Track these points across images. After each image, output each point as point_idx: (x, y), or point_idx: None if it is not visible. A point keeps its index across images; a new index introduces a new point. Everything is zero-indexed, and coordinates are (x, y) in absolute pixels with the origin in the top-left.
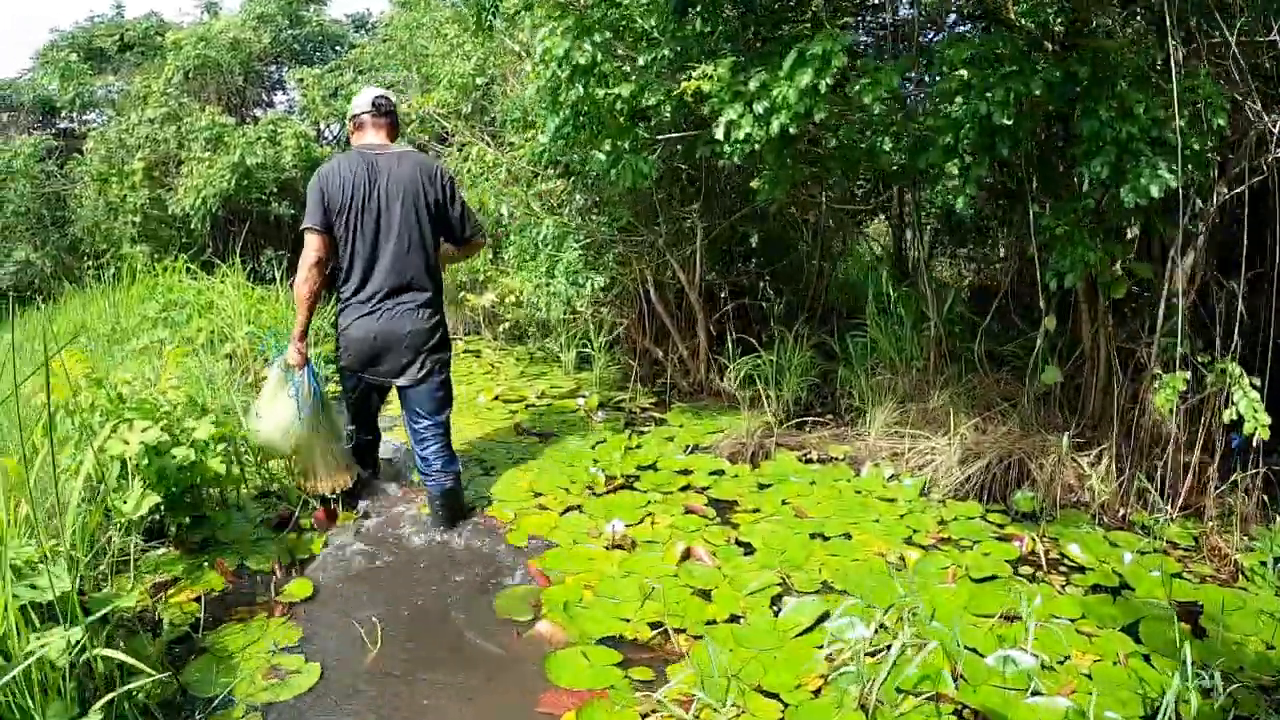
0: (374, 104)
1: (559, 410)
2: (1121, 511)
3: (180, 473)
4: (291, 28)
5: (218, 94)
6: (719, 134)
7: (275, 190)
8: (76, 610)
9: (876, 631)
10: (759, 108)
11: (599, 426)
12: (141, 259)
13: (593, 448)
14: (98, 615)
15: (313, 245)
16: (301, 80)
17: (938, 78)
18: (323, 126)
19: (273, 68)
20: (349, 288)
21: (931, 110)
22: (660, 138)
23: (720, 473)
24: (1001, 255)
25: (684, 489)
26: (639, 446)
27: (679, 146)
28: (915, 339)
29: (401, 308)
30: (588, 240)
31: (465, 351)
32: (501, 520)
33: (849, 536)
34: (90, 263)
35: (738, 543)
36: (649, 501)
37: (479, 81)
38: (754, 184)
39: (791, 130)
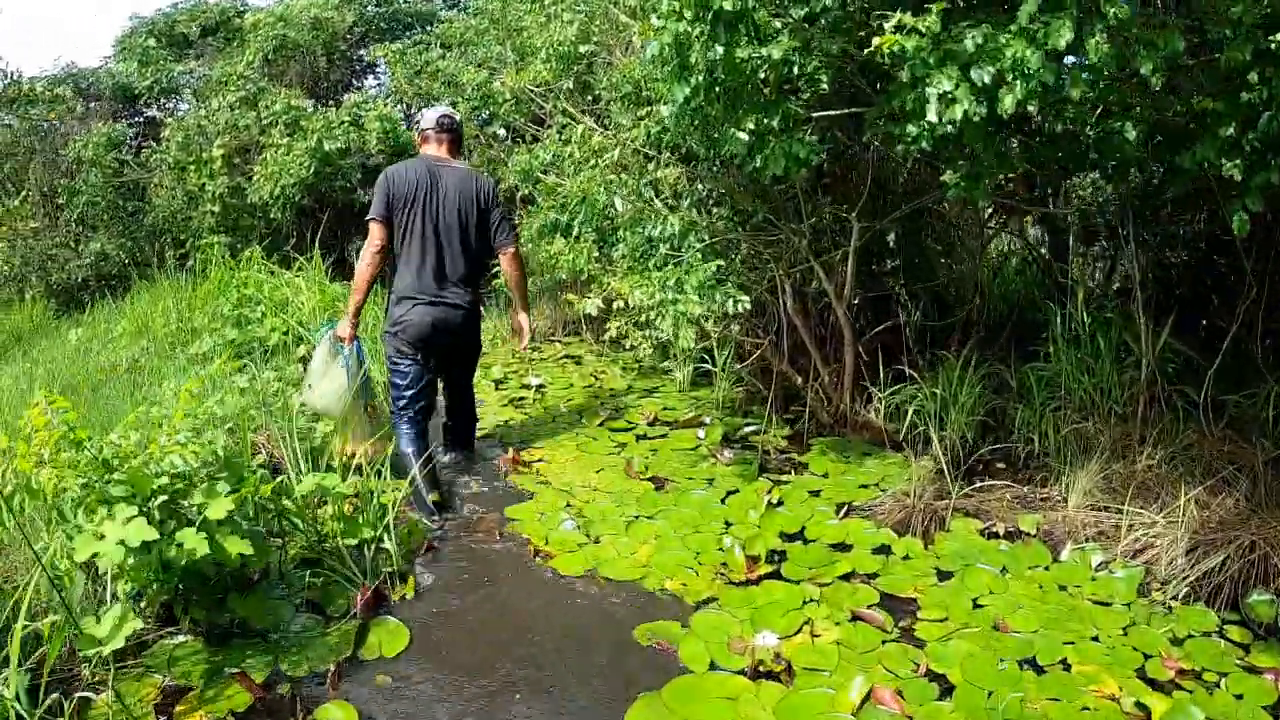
0: (438, 122)
1: (676, 444)
2: None
3: (192, 562)
4: (377, 6)
5: (300, 78)
6: (931, 112)
7: (360, 177)
8: None
9: None
10: (981, 76)
11: (726, 470)
12: (220, 250)
13: (722, 501)
14: None
15: (376, 235)
16: (384, 56)
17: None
18: (412, 109)
19: (361, 52)
20: (405, 280)
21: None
22: (817, 115)
23: (886, 550)
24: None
25: (846, 577)
26: (779, 503)
27: (828, 128)
28: (1115, 377)
29: (454, 301)
30: (713, 239)
31: (564, 357)
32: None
33: (1067, 666)
34: (170, 254)
35: (929, 674)
36: (805, 599)
37: (582, 50)
38: (946, 177)
39: (1029, 108)
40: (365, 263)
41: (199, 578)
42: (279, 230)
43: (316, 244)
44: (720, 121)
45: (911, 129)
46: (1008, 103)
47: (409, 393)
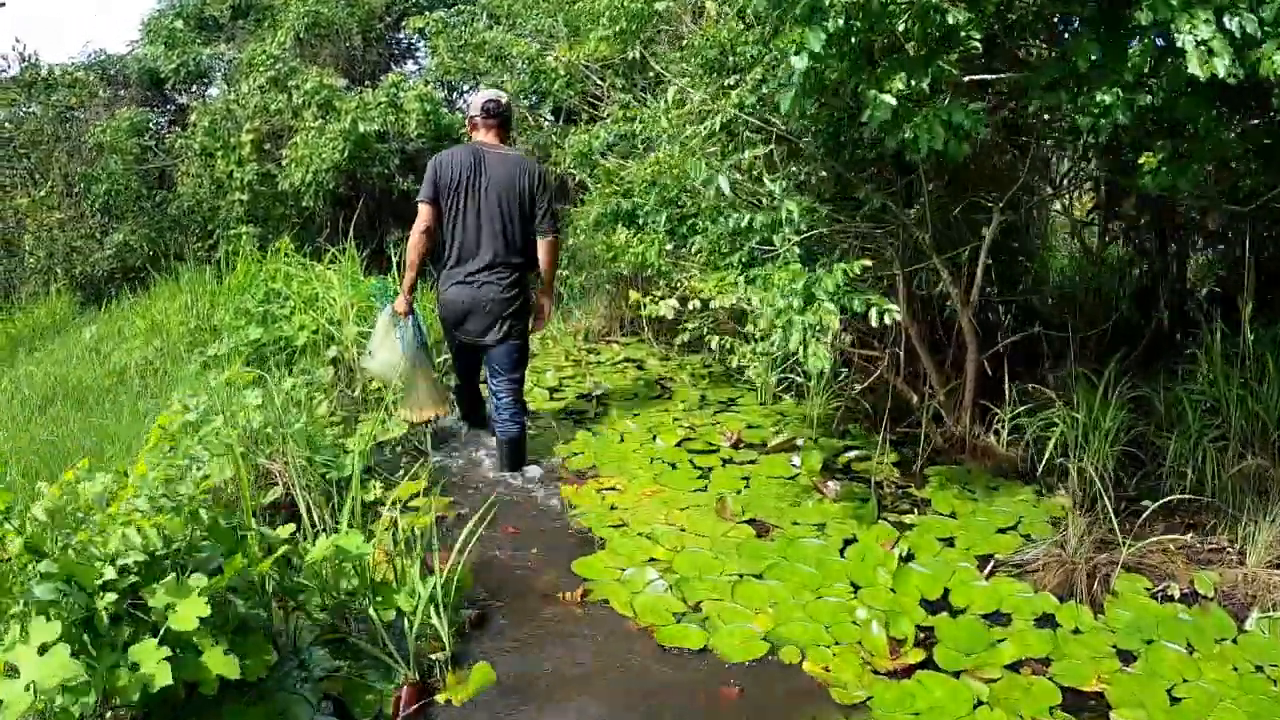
0: (484, 108)
1: (769, 471)
2: None
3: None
4: None
5: (334, 59)
6: (1192, 64)
7: (399, 163)
8: None
9: None
10: (1241, 24)
11: (836, 508)
12: (248, 241)
13: (841, 553)
14: None
15: (423, 215)
16: (422, 30)
17: None
18: (455, 90)
19: (400, 35)
20: (448, 260)
21: None
22: (973, 78)
23: (1051, 621)
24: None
25: (1015, 665)
26: (910, 556)
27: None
28: None
29: (488, 281)
30: (810, 232)
31: (624, 360)
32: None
33: None
34: (199, 245)
35: None
36: (974, 701)
37: (658, 7)
38: (1144, 160)
39: None
40: (412, 243)
41: (169, 704)
42: (312, 220)
43: (351, 235)
44: (848, 81)
45: (1104, 97)
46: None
47: (455, 364)
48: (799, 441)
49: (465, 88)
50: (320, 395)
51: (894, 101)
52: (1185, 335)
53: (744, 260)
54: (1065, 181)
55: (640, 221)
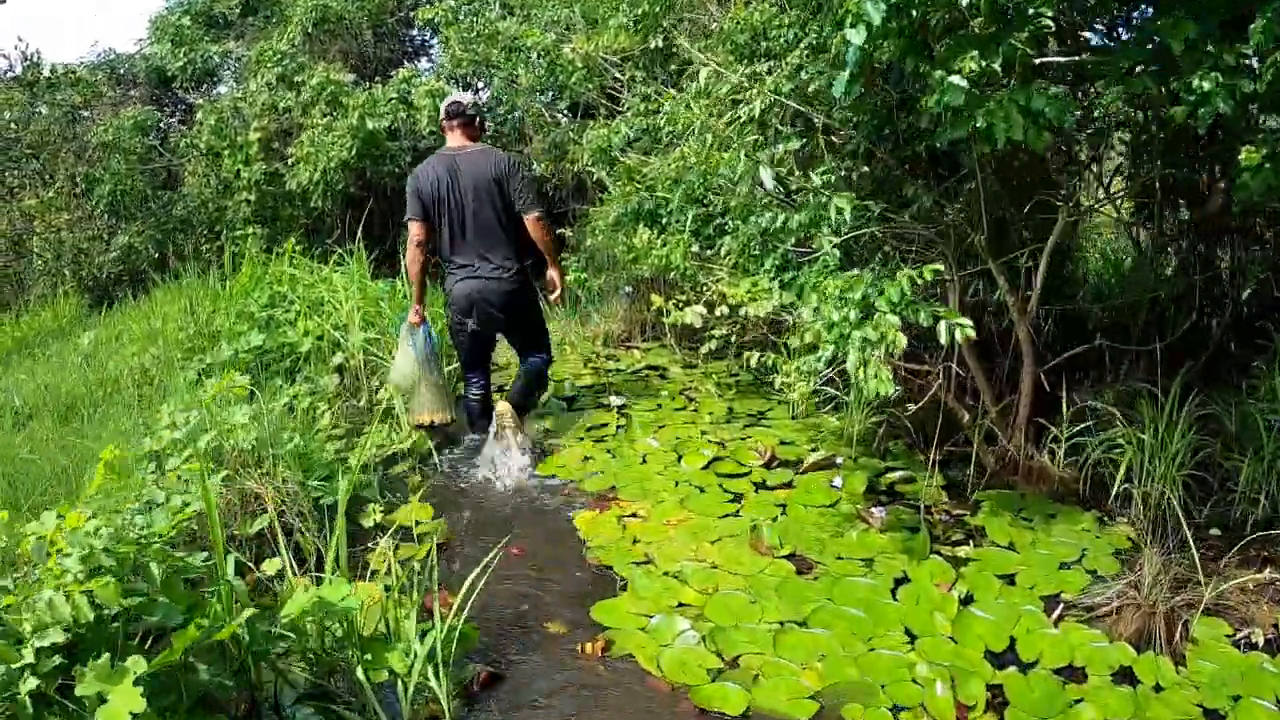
0: (446, 111)
1: (807, 497)
2: None
3: None
4: None
5: (343, 56)
6: None
7: (410, 160)
8: None
9: None
10: None
11: (883, 539)
12: (256, 242)
13: (893, 594)
14: None
15: (415, 233)
16: (432, 21)
17: None
18: (466, 87)
19: (412, 31)
20: (448, 260)
21: None
22: (1055, 59)
23: (1130, 676)
24: None
25: None
26: (969, 599)
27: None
28: None
29: (490, 276)
30: (853, 233)
31: (645, 368)
32: None
33: None
34: (206, 246)
35: None
36: None
37: None
38: (1244, 155)
39: None
40: (410, 258)
41: None
42: (322, 220)
43: (359, 235)
44: (903, 63)
45: (1202, 83)
46: None
47: (465, 358)
48: (838, 460)
49: (480, 85)
50: (324, 405)
51: (965, 84)
52: (1243, 345)
53: (777, 264)
54: (1113, 180)
55: (663, 221)
